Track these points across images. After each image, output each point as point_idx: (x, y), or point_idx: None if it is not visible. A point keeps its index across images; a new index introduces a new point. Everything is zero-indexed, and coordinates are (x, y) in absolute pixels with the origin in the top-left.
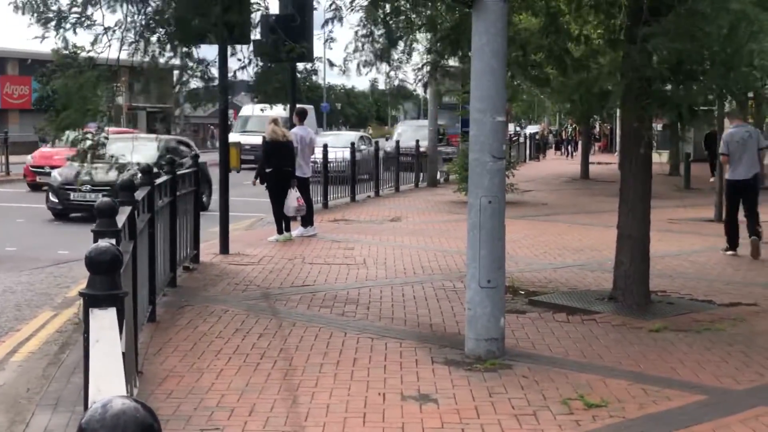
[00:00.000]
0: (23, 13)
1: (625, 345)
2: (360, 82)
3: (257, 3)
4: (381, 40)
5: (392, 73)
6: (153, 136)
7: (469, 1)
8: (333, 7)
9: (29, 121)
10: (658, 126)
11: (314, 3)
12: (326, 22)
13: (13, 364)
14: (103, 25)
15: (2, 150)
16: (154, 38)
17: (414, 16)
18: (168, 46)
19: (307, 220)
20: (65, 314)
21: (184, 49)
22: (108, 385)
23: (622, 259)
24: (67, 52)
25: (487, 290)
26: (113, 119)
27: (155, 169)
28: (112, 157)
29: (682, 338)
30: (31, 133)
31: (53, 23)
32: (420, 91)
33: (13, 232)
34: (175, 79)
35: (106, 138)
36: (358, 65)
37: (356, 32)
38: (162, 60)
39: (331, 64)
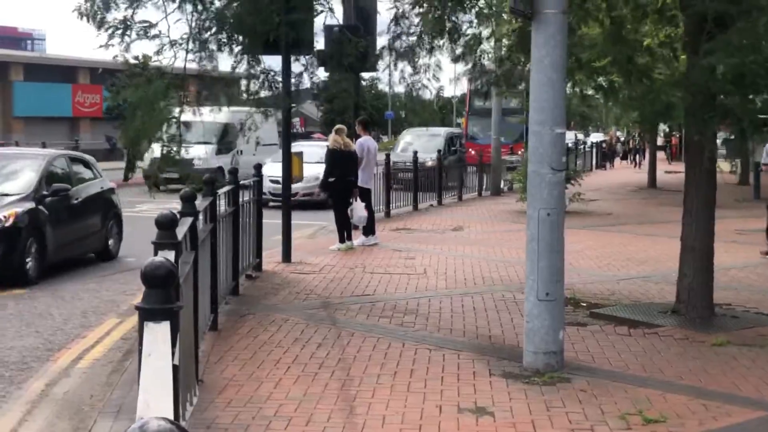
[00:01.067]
0: (88, 21)
1: (687, 359)
2: (425, 91)
3: (321, 5)
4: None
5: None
6: (36, 151)
7: (529, 12)
8: (396, 22)
9: (100, 129)
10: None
11: (377, 14)
12: (394, 38)
13: (78, 371)
14: (168, 36)
15: None
16: (214, 45)
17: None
18: (232, 52)
19: (369, 229)
20: (130, 321)
21: (250, 58)
22: (156, 401)
23: (685, 272)
24: (135, 61)
25: (545, 303)
26: (186, 126)
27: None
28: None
29: (746, 353)
30: (102, 141)
31: (119, 32)
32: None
33: None
34: (242, 87)
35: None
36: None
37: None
38: (227, 68)
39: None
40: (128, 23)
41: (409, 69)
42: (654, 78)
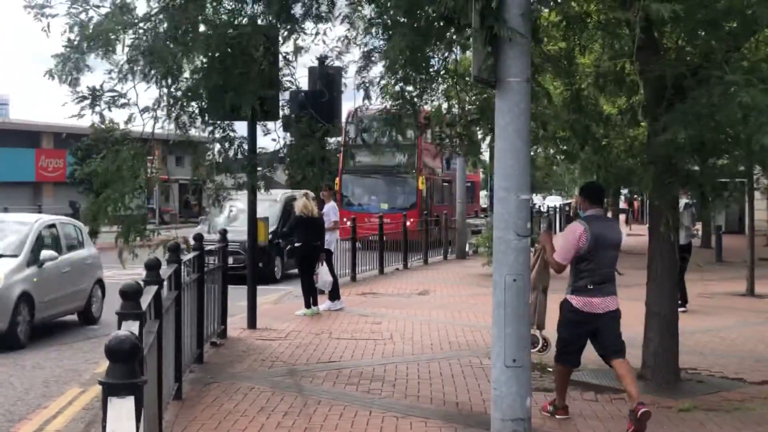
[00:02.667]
0: (60, 82)
1: (655, 425)
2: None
3: (288, 80)
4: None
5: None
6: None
7: (493, 81)
8: (362, 85)
9: (64, 194)
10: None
11: (342, 80)
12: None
13: None
14: (137, 104)
15: None
16: (184, 115)
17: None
18: (199, 121)
19: (334, 294)
20: (93, 390)
21: (216, 123)
22: None
23: (650, 337)
24: (102, 126)
25: (512, 369)
26: (149, 193)
27: None
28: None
29: (712, 418)
30: (65, 206)
31: (88, 102)
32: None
33: None
34: (207, 152)
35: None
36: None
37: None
38: (194, 132)
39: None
40: (97, 92)
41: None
42: (609, 146)
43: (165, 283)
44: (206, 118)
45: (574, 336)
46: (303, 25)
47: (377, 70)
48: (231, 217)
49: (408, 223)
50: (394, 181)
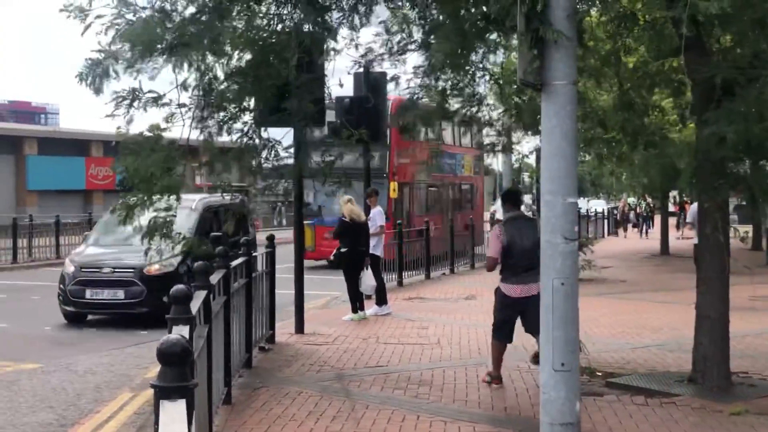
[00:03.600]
0: (87, 86)
1: (705, 429)
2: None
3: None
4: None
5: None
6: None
7: (538, 84)
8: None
9: (114, 202)
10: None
11: (387, 86)
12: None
13: None
14: (178, 102)
15: (87, 229)
16: (216, 120)
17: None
18: (243, 126)
19: (381, 299)
20: (144, 395)
21: (262, 131)
22: None
23: (701, 340)
24: (141, 132)
25: (561, 373)
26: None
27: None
28: (179, 234)
29: (764, 422)
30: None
31: (126, 102)
32: (497, 166)
33: (95, 315)
34: (254, 159)
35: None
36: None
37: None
38: (235, 138)
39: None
40: (137, 93)
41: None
42: (660, 145)
43: (214, 288)
44: (247, 125)
45: (505, 316)
46: (339, 31)
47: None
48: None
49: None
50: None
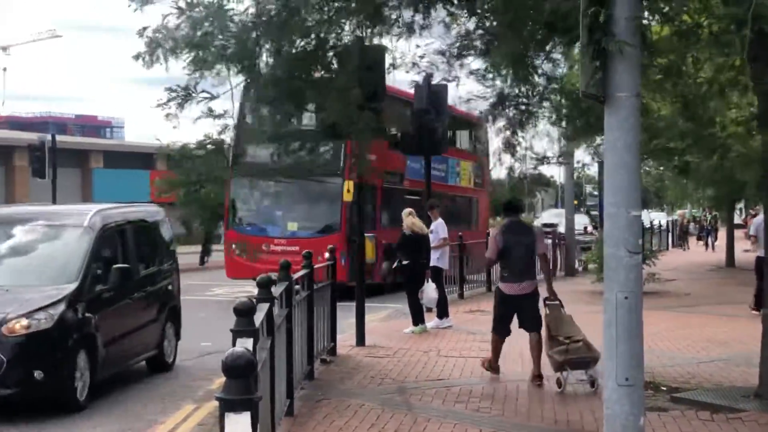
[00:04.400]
0: (144, 65)
1: None
2: (495, 169)
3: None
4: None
5: (517, 164)
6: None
7: (601, 97)
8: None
9: (178, 214)
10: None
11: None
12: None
13: None
14: (232, 116)
15: None
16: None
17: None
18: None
19: (442, 312)
20: (207, 407)
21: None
22: None
23: (767, 355)
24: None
25: (625, 388)
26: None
27: None
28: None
29: None
30: (179, 226)
31: (179, 98)
32: (559, 178)
33: None
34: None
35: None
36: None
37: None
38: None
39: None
40: (191, 92)
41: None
42: (730, 156)
43: (276, 300)
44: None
45: (503, 312)
46: (395, 40)
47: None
48: None
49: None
50: (310, 188)
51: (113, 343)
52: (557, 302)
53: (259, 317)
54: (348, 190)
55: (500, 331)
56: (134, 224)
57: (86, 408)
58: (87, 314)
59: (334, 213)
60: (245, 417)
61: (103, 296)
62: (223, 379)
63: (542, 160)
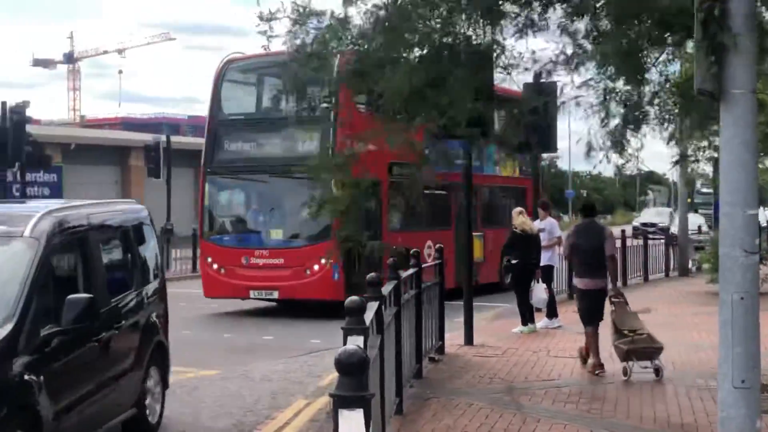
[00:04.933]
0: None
1: None
2: (606, 167)
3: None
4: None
5: (628, 163)
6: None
7: (716, 93)
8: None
9: None
10: None
11: (558, 93)
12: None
13: None
14: None
15: None
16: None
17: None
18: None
19: (552, 312)
20: (318, 403)
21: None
22: None
23: None
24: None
25: (741, 391)
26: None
27: None
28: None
29: None
30: None
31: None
32: (672, 176)
33: (268, 323)
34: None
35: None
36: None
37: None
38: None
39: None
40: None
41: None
42: None
43: (386, 299)
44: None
45: (583, 305)
46: (512, 41)
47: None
48: None
49: (319, 265)
50: (295, 187)
51: (69, 411)
52: (622, 300)
53: (368, 315)
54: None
55: (589, 323)
56: (104, 230)
57: None
58: (28, 374)
59: (321, 217)
60: (358, 414)
61: (54, 342)
62: (333, 375)
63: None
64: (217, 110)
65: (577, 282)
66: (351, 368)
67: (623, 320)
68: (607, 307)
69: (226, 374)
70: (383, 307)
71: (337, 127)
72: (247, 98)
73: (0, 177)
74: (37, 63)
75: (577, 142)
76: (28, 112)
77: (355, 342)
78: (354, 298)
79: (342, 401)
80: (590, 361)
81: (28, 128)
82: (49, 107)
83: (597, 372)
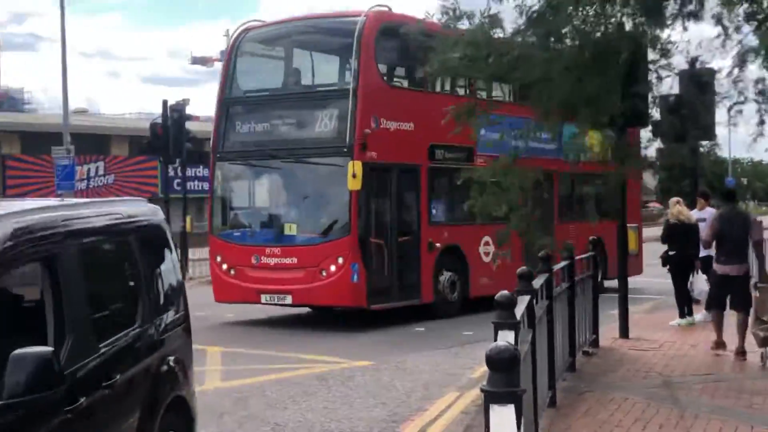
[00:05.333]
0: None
1: None
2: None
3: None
4: None
5: None
6: None
7: None
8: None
9: None
10: None
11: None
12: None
13: None
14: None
15: None
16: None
17: None
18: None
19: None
20: (470, 395)
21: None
22: None
23: None
24: None
25: None
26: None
27: None
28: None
29: None
30: None
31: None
32: None
33: (421, 313)
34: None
35: None
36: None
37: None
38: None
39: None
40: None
41: None
42: None
43: (537, 292)
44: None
45: (718, 290)
46: (672, 26)
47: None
48: None
49: (340, 260)
50: (309, 173)
51: None
52: (767, 286)
53: (520, 310)
54: (354, 176)
55: (716, 306)
56: (93, 241)
57: None
58: None
59: (339, 208)
60: (509, 409)
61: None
62: (484, 368)
63: None
64: (231, 86)
65: (718, 268)
66: (501, 364)
67: (765, 308)
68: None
69: (380, 365)
70: (534, 300)
71: (362, 100)
72: (266, 72)
73: (163, 173)
74: (195, 61)
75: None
76: (188, 110)
77: (506, 337)
78: (504, 292)
79: (493, 396)
80: (715, 340)
81: (188, 125)
82: (208, 104)
83: (718, 353)
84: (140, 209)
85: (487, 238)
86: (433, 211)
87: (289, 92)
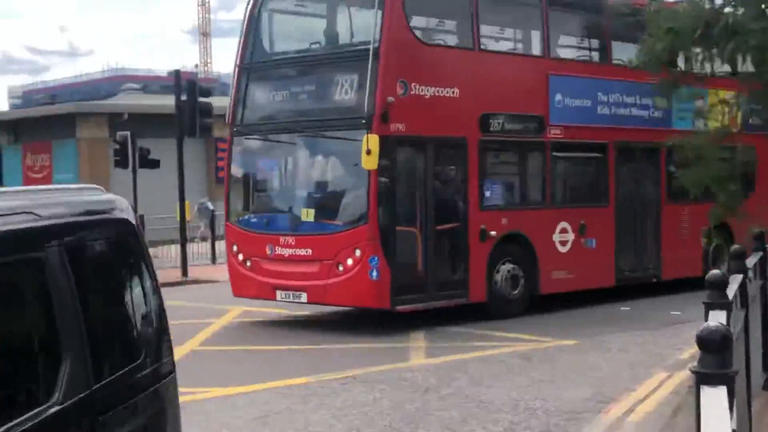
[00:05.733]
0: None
1: None
2: None
3: None
4: None
5: None
6: None
7: None
8: None
9: None
10: None
11: None
12: None
13: (630, 424)
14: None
15: None
16: None
17: None
18: None
19: None
20: (678, 376)
21: None
22: None
23: None
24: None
25: None
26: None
27: None
28: None
29: None
30: None
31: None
32: None
33: (631, 292)
34: None
35: None
36: None
37: None
38: None
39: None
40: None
41: None
42: None
43: (750, 271)
44: None
45: None
46: None
47: None
48: None
49: (357, 252)
50: (336, 152)
51: None
52: None
53: (732, 289)
54: (369, 151)
55: None
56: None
57: None
58: None
59: (357, 192)
60: (721, 391)
61: None
62: (694, 349)
63: None
64: (252, 50)
65: None
66: (713, 345)
67: None
68: None
69: (584, 345)
70: (747, 279)
71: (384, 57)
72: (290, 32)
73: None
74: None
75: None
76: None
77: (717, 317)
78: (716, 271)
79: (704, 378)
80: None
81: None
82: None
83: None
84: (100, 198)
85: (564, 224)
86: (487, 193)
87: (311, 54)
